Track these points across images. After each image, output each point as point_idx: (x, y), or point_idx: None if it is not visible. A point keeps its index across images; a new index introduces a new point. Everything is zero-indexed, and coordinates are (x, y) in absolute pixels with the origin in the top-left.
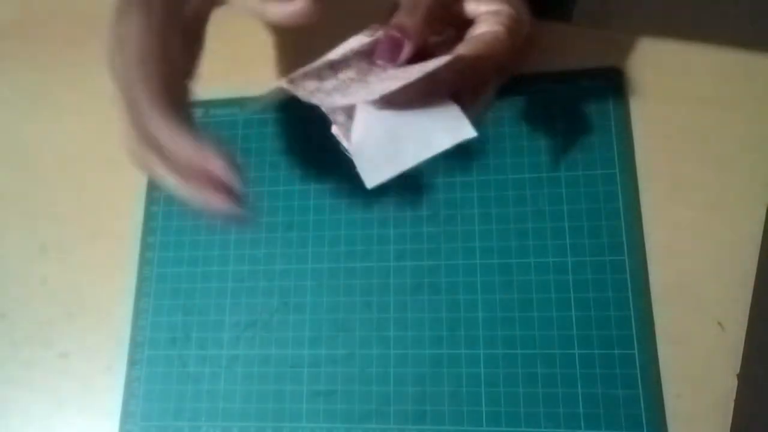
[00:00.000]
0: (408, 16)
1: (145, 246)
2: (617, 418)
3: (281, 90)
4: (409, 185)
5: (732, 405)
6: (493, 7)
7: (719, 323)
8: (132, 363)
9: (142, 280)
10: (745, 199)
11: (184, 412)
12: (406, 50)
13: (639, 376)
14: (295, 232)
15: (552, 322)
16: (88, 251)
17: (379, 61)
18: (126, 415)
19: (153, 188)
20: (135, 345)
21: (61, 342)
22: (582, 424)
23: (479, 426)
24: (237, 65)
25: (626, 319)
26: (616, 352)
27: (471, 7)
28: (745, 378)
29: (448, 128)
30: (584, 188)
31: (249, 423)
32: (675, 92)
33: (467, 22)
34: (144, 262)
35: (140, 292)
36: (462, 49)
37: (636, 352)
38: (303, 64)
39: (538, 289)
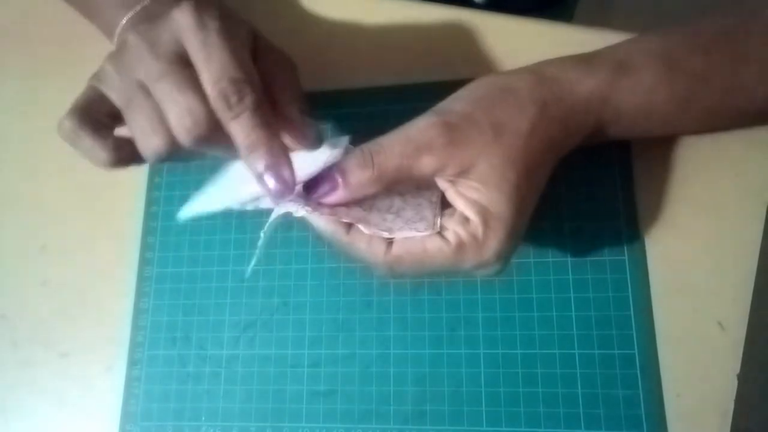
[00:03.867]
0: (359, 168)
1: (145, 246)
2: (617, 418)
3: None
4: None
5: (732, 405)
6: (469, 212)
7: (719, 323)
8: (132, 363)
9: (142, 280)
10: (745, 199)
11: (184, 412)
12: (336, 196)
13: (639, 376)
14: (295, 232)
15: (552, 322)
16: (88, 251)
17: (310, 195)
18: (126, 415)
19: (153, 188)
20: (135, 345)
21: (61, 342)
22: (582, 424)
23: (479, 426)
24: None
25: (626, 319)
26: (616, 352)
27: (449, 195)
28: (745, 378)
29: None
30: (584, 188)
31: (249, 423)
32: None
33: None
34: (144, 262)
35: (140, 292)
36: (398, 247)
37: (636, 352)
38: (302, 65)
39: (538, 289)
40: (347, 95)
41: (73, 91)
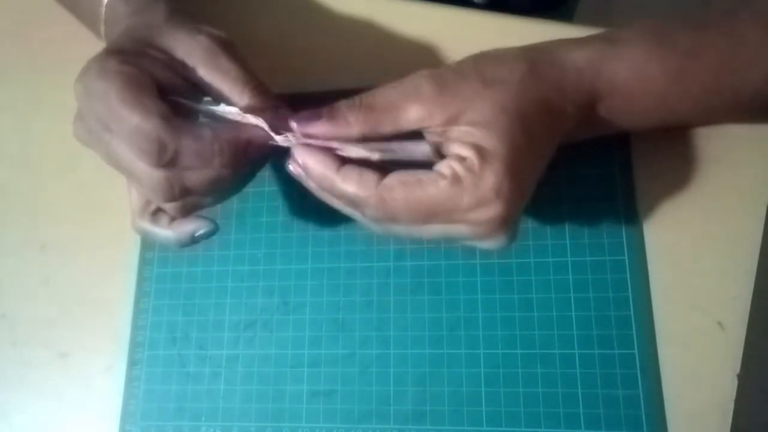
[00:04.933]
0: (346, 107)
1: (145, 246)
2: (617, 418)
3: None
4: None
5: (732, 405)
6: (464, 150)
7: (719, 323)
8: (132, 363)
9: (142, 280)
10: (745, 199)
11: (184, 412)
12: (316, 129)
13: (639, 376)
14: (295, 232)
15: (552, 322)
16: (88, 251)
17: (291, 121)
18: (126, 415)
19: None
20: (135, 345)
21: (61, 342)
22: (582, 424)
23: (479, 426)
24: None
25: (626, 319)
26: (616, 352)
27: (441, 146)
28: (745, 378)
29: None
30: (584, 187)
31: (249, 423)
32: None
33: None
34: (144, 262)
35: (140, 292)
36: (391, 178)
37: (636, 352)
38: (301, 65)
39: (538, 289)
40: (347, 95)
41: (73, 91)
